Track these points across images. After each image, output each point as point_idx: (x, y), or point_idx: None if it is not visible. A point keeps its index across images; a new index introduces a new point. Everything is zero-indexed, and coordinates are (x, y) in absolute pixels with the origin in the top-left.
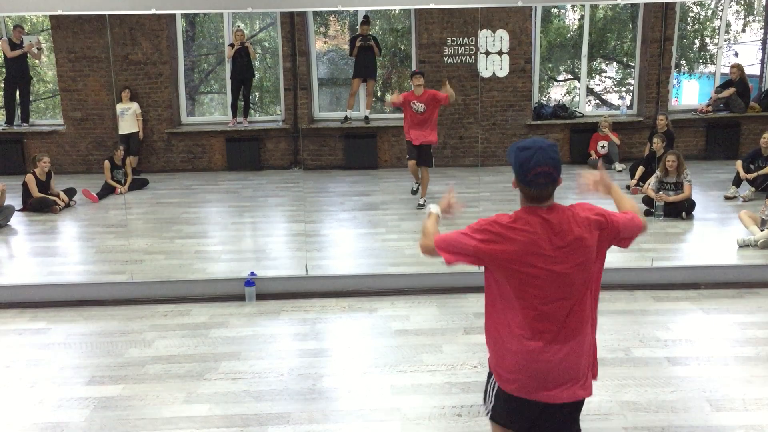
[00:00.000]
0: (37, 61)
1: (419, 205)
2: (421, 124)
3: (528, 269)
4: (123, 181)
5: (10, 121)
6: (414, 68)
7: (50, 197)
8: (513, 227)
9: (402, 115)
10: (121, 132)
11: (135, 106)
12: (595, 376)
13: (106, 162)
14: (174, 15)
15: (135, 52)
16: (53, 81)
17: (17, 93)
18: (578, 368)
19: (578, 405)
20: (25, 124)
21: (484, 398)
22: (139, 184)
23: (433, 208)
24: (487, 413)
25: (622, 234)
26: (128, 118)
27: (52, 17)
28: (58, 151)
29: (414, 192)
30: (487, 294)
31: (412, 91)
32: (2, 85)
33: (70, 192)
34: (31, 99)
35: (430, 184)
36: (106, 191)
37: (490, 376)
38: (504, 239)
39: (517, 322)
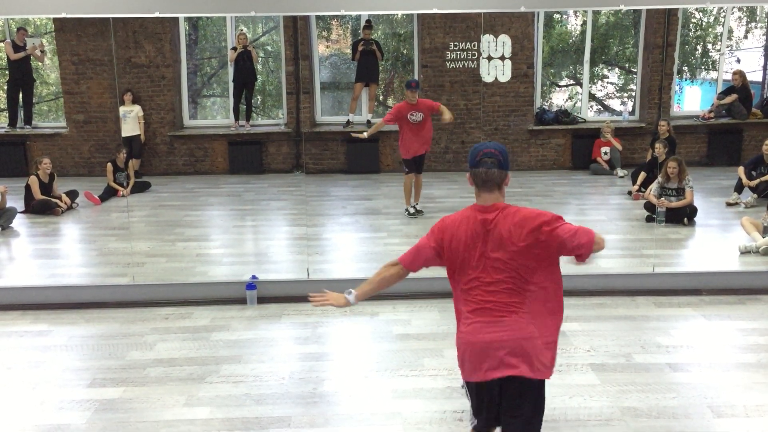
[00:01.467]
0: (40, 64)
1: (417, 210)
2: (419, 134)
3: (460, 257)
4: (125, 183)
5: (13, 123)
6: (416, 73)
7: (52, 199)
8: (453, 220)
9: None
10: (123, 135)
11: (137, 109)
12: (549, 363)
13: (109, 164)
14: (177, 18)
15: (138, 55)
16: (56, 83)
17: (20, 95)
18: (517, 348)
19: (524, 384)
20: (27, 126)
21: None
22: (141, 187)
23: (350, 297)
24: (471, 423)
25: (567, 244)
26: (131, 120)
27: (55, 20)
28: (60, 154)
29: (412, 214)
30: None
31: (405, 101)
32: (5, 87)
33: (73, 194)
34: (34, 101)
35: (431, 188)
36: (108, 194)
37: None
38: (444, 231)
39: (460, 307)
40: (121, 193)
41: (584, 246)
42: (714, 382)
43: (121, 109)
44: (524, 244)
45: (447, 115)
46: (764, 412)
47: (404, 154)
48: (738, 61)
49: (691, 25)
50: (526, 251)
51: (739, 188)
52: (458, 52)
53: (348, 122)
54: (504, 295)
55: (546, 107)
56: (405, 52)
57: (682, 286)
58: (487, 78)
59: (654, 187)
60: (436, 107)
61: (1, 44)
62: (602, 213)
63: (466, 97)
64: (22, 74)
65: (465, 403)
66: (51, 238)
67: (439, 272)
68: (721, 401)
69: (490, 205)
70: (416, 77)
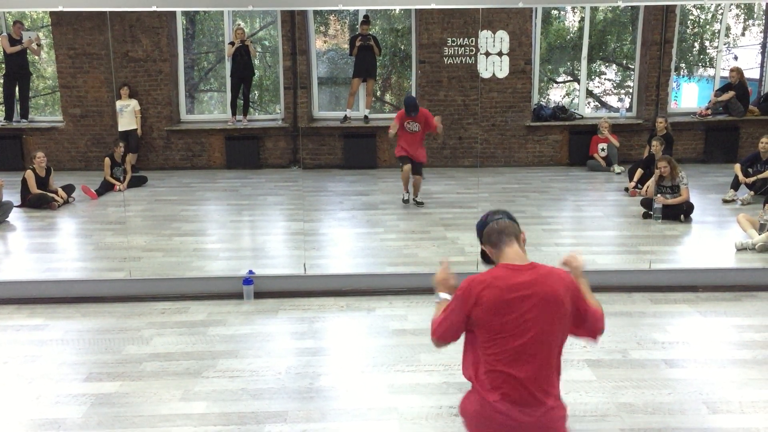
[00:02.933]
0: (36, 57)
1: (417, 203)
2: (412, 143)
3: (499, 321)
4: (122, 178)
5: (9, 117)
6: (414, 69)
7: (49, 194)
8: (484, 283)
9: None
10: (120, 129)
11: (134, 104)
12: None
13: (107, 159)
14: (174, 12)
15: (135, 49)
16: (53, 77)
17: (17, 89)
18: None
19: None
20: (24, 120)
21: None
22: (137, 182)
23: (443, 296)
24: None
25: (585, 319)
26: (127, 115)
27: (52, 13)
28: (56, 148)
29: (405, 201)
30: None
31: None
32: (2, 81)
33: (69, 188)
34: (30, 95)
35: (430, 185)
36: (105, 188)
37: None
38: (479, 297)
39: (484, 374)
40: (118, 187)
41: (594, 330)
42: (709, 378)
43: (118, 104)
44: (567, 305)
45: (437, 123)
46: (759, 408)
47: (397, 152)
48: (735, 58)
49: (688, 22)
50: (567, 317)
51: (735, 185)
52: (456, 48)
53: (345, 117)
54: (543, 370)
55: (543, 103)
56: (403, 47)
57: (679, 282)
58: (485, 74)
59: (652, 183)
60: (433, 126)
61: None
62: (599, 209)
63: (464, 93)
64: (18, 68)
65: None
66: (47, 232)
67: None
68: (716, 397)
69: (521, 264)
70: (413, 72)
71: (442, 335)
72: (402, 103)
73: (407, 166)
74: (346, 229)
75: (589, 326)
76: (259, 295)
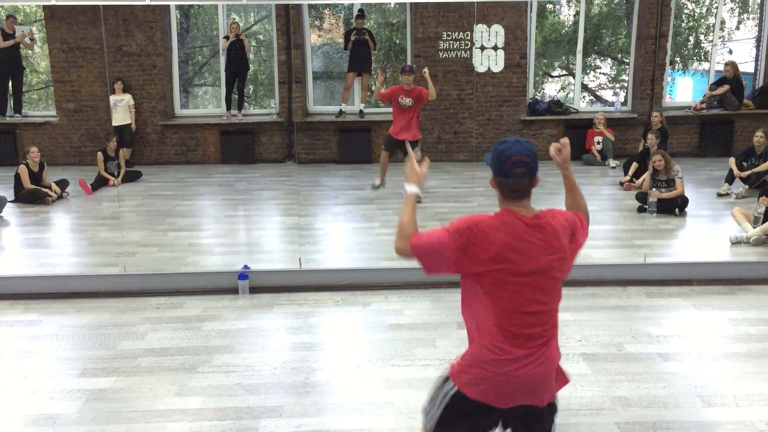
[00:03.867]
0: (30, 52)
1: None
2: (405, 118)
3: (508, 270)
4: (116, 173)
5: (2, 111)
6: (408, 62)
7: (42, 189)
8: (495, 226)
9: None
10: (114, 124)
11: (128, 98)
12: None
13: (99, 153)
14: (168, 6)
15: (129, 43)
16: (46, 72)
17: (10, 83)
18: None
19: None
20: (17, 115)
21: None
22: (132, 177)
23: (411, 188)
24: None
25: (579, 238)
26: (121, 109)
27: (45, 7)
28: (50, 143)
29: (375, 187)
30: (468, 297)
31: (401, 86)
32: None
33: (63, 183)
34: (24, 90)
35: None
36: (99, 183)
37: (446, 380)
38: (486, 240)
39: (494, 328)
40: (112, 182)
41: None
42: (704, 371)
43: (112, 98)
44: (567, 250)
45: (432, 91)
46: (754, 402)
47: (390, 131)
48: (730, 52)
49: (683, 16)
50: (568, 256)
51: (730, 179)
52: (451, 42)
53: (340, 112)
54: (551, 316)
55: (539, 97)
56: (398, 41)
57: (673, 276)
58: (480, 68)
59: (647, 177)
60: (426, 96)
61: None
62: (594, 203)
63: (459, 87)
64: (11, 62)
65: None
66: (41, 227)
67: None
68: (711, 391)
69: (528, 216)
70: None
71: (422, 255)
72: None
73: (386, 153)
74: (342, 223)
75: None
76: (254, 290)
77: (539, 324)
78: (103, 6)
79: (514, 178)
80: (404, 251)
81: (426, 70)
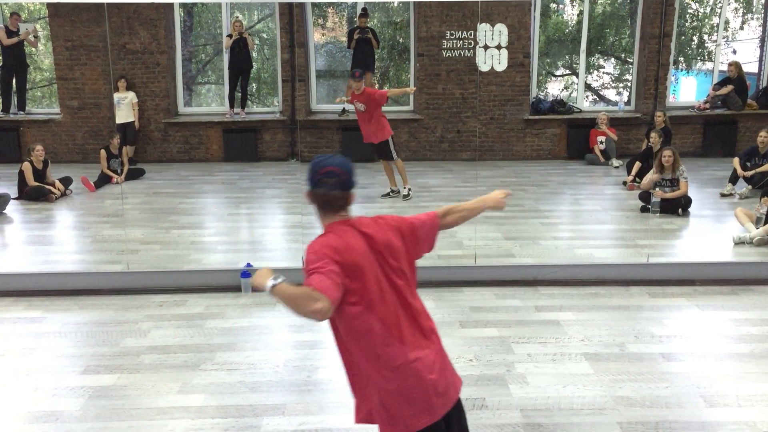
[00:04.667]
0: (34, 49)
1: (404, 196)
2: (364, 123)
3: (368, 276)
4: (119, 170)
5: (6, 109)
6: (412, 62)
7: (46, 186)
8: (340, 238)
9: (398, 108)
10: (117, 121)
11: (132, 96)
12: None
13: (102, 151)
14: (172, 4)
15: (132, 41)
16: (50, 69)
17: (14, 81)
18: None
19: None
20: (21, 113)
21: None
22: (135, 174)
23: (269, 282)
24: None
25: (419, 234)
26: (125, 107)
27: (49, 5)
28: (54, 140)
29: (389, 194)
30: (348, 336)
31: (353, 90)
32: None
33: (66, 181)
34: (27, 87)
35: (427, 177)
36: (103, 181)
37: None
38: (344, 252)
39: (383, 339)
40: (115, 180)
41: (434, 231)
42: (707, 371)
43: (116, 96)
44: (402, 249)
45: (400, 90)
46: (756, 402)
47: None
48: (734, 52)
49: (687, 16)
50: (404, 254)
51: (733, 179)
52: (454, 41)
53: (343, 110)
54: (415, 311)
55: (542, 97)
56: (401, 40)
57: (676, 276)
58: (484, 67)
59: (650, 176)
60: (383, 99)
61: None
62: (597, 203)
63: (462, 86)
64: (15, 60)
65: None
66: (45, 224)
67: (434, 261)
68: (713, 391)
69: (351, 219)
70: (412, 65)
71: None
72: (399, 97)
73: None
74: None
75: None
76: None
77: (417, 322)
78: (107, 3)
79: (325, 188)
80: (324, 307)
81: (412, 89)
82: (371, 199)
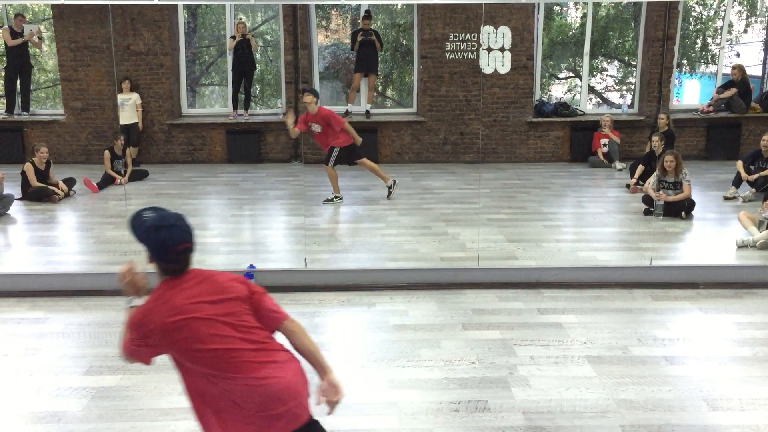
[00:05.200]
0: (38, 50)
1: (328, 200)
2: (323, 144)
3: (198, 329)
4: (123, 171)
5: (10, 109)
6: (416, 64)
7: (49, 187)
8: (164, 305)
9: (401, 110)
10: (121, 123)
11: (135, 97)
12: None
13: (106, 152)
14: (176, 6)
15: (136, 42)
16: (54, 70)
17: (18, 82)
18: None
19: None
20: (25, 113)
21: None
22: (138, 175)
23: (136, 301)
24: None
25: (262, 310)
26: (128, 108)
27: (53, 6)
28: (57, 141)
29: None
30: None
31: (307, 112)
32: (3, 74)
33: (70, 182)
34: (31, 88)
35: (430, 180)
36: (106, 182)
37: None
38: (160, 320)
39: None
40: (119, 181)
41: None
42: (710, 375)
43: (119, 97)
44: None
45: (353, 133)
46: (760, 406)
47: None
48: (738, 55)
49: (691, 19)
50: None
51: (737, 182)
52: (458, 43)
53: (347, 112)
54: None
55: (545, 99)
56: (404, 42)
57: (679, 279)
58: (487, 69)
59: (652, 180)
60: (338, 127)
61: None
62: (600, 206)
63: (466, 89)
64: (19, 61)
65: (462, 394)
66: (48, 225)
67: (438, 263)
68: (716, 394)
69: (187, 275)
70: (415, 68)
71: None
72: (402, 99)
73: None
74: (347, 223)
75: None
76: None
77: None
78: (111, 5)
79: (180, 264)
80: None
81: (359, 141)
82: (373, 201)
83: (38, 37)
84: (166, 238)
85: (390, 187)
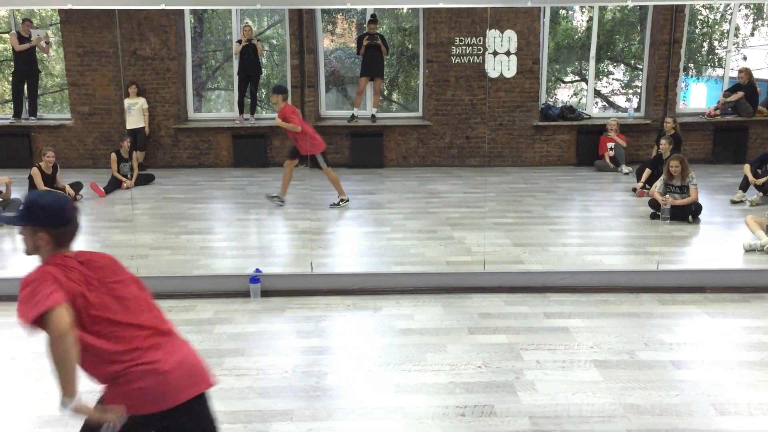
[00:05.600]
0: (45, 55)
1: (332, 204)
2: (301, 139)
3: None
4: (129, 174)
5: (17, 114)
6: (421, 68)
7: (56, 191)
8: (64, 273)
9: (407, 114)
10: (128, 127)
11: (142, 102)
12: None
13: (113, 155)
14: (182, 11)
15: (143, 47)
16: (61, 75)
17: (25, 86)
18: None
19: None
20: (32, 118)
21: None
22: (145, 180)
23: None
24: None
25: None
26: (135, 113)
27: (61, 11)
28: (64, 145)
29: (273, 199)
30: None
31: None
32: (11, 79)
33: (77, 186)
34: (39, 93)
35: (436, 184)
36: (113, 186)
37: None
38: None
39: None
40: (125, 184)
41: None
42: (717, 379)
43: (126, 102)
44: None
45: (287, 125)
46: (767, 411)
47: None
48: (744, 58)
49: (697, 22)
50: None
51: (744, 186)
52: (463, 47)
53: (353, 116)
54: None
55: (551, 103)
56: (410, 46)
57: (686, 283)
58: (493, 73)
59: (659, 184)
60: (284, 117)
61: (7, 36)
62: (606, 209)
63: (471, 92)
64: (27, 66)
65: (468, 399)
66: None
67: (444, 267)
68: (724, 399)
69: (74, 254)
70: (421, 72)
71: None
72: (408, 103)
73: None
74: (353, 228)
75: None
76: (265, 293)
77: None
78: (119, 10)
79: (75, 222)
80: (61, 346)
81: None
82: (379, 205)
83: (46, 42)
84: (53, 200)
85: (341, 202)
